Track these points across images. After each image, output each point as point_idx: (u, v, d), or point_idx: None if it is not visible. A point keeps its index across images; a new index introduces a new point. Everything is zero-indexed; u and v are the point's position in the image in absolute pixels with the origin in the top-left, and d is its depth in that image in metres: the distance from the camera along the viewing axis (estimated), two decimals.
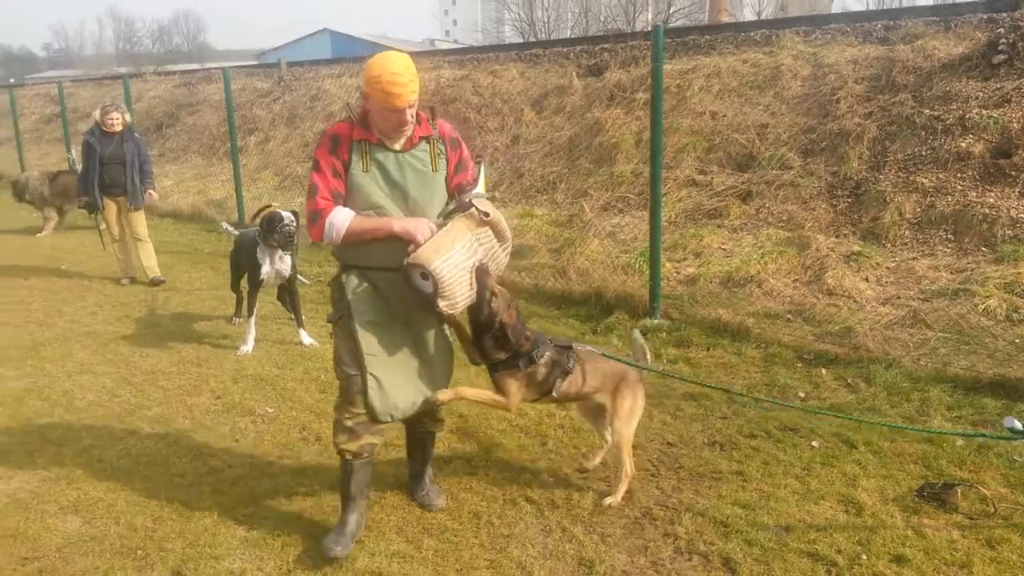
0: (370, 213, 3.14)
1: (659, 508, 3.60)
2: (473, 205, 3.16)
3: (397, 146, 3.18)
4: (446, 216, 3.25)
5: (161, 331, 6.68)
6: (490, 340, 3.32)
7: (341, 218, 3.10)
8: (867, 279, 6.71)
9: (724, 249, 7.95)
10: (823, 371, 5.05)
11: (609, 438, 3.83)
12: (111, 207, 8.28)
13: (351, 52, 29.01)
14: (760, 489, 3.71)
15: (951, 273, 6.58)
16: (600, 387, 3.60)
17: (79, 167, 9.29)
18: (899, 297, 6.24)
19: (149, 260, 8.46)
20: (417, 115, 3.17)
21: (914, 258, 7.02)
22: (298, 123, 16.21)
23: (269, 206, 6.10)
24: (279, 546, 3.39)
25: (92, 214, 8.74)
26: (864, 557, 3.15)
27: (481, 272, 3.19)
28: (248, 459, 4.24)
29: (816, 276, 6.85)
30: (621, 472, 3.63)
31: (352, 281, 3.26)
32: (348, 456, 3.29)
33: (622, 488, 3.62)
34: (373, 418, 3.23)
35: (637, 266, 7.21)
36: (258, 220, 6.04)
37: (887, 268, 6.93)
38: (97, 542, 3.47)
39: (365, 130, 3.15)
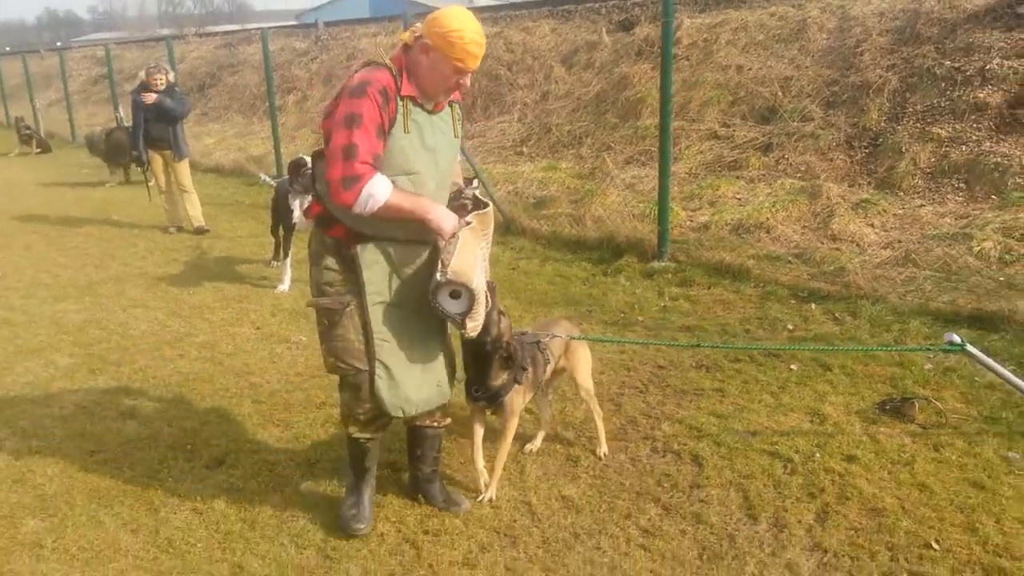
0: (402, 180, 2.78)
1: (643, 417, 4.03)
2: (475, 208, 3.02)
3: (429, 107, 2.86)
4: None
5: (206, 272, 7.23)
6: (495, 364, 3.13)
7: (381, 188, 2.66)
8: (872, 225, 6.97)
9: (738, 199, 8.23)
10: (813, 306, 5.39)
11: (550, 416, 3.88)
12: (157, 160, 8.83)
13: (389, 11, 29.25)
14: (736, 403, 4.11)
15: (955, 219, 6.80)
16: (560, 352, 3.60)
17: (127, 124, 9.87)
18: (900, 242, 6.49)
19: (194, 210, 9.02)
20: None
21: (921, 205, 7.24)
22: (335, 82, 16.62)
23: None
24: (309, 443, 3.90)
25: (141, 168, 9.31)
26: (818, 456, 3.54)
27: (491, 290, 2.98)
28: (283, 376, 4.76)
29: (824, 223, 7.12)
30: (597, 420, 3.70)
31: (368, 254, 2.87)
32: (363, 440, 3.14)
33: (603, 433, 3.70)
34: (382, 412, 3.02)
35: (651, 214, 7.55)
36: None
37: (894, 215, 7.16)
38: (152, 440, 4.02)
39: (411, 85, 2.77)
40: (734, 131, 9.69)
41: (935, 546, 2.90)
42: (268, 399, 4.43)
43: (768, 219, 7.33)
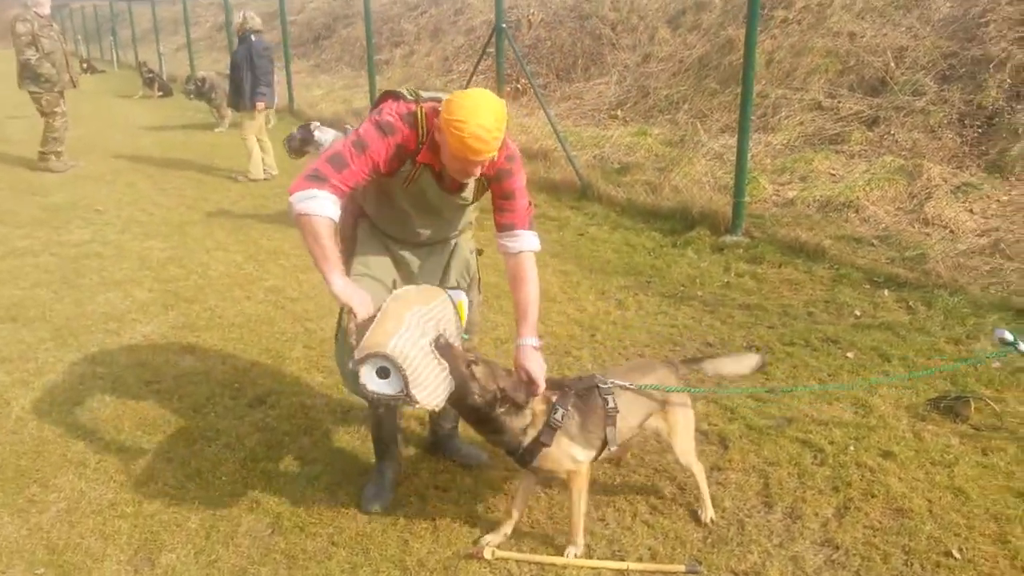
0: (384, 207, 2.88)
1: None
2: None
3: (445, 183, 2.81)
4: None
5: (288, 219, 7.46)
6: (504, 417, 2.65)
7: (324, 207, 2.56)
8: (971, 211, 6.50)
9: (833, 174, 7.84)
10: (886, 292, 5.10)
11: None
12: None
13: None
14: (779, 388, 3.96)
15: None
16: (651, 410, 2.93)
17: None
18: (998, 229, 6.04)
19: (267, 158, 9.40)
20: None
21: None
22: (441, 37, 16.72)
23: None
24: (347, 391, 4.01)
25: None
26: (852, 449, 3.38)
27: (443, 347, 2.53)
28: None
29: (919, 205, 6.70)
30: (699, 480, 3.02)
31: (364, 228, 3.01)
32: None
33: (706, 493, 3.03)
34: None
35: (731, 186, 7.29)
36: None
37: (998, 201, 6.66)
38: (205, 375, 4.25)
39: (432, 153, 2.69)
40: (839, 102, 9.19)
41: (956, 555, 2.74)
42: (319, 345, 4.58)
43: (859, 198, 6.95)
